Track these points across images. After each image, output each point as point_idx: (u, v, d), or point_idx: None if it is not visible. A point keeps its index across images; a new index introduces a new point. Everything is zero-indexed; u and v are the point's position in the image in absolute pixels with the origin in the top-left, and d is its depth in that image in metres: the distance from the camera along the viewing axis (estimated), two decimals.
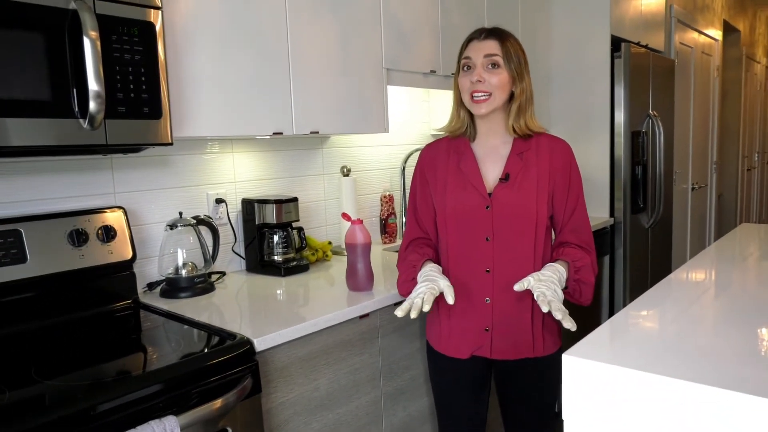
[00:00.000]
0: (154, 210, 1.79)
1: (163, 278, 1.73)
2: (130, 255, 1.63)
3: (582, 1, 2.96)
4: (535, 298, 1.29)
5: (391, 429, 1.72)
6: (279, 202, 1.91)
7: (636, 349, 0.90)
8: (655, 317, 1.09)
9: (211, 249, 1.83)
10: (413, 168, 2.65)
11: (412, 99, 2.66)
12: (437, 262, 1.53)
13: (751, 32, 6.26)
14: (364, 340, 1.61)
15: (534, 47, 2.88)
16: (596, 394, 0.84)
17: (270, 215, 1.92)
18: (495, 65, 1.40)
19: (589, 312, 2.89)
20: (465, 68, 1.44)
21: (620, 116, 2.97)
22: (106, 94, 1.26)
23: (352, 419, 1.59)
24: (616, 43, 2.94)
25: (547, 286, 1.30)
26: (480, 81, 1.40)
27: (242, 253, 2.02)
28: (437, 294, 1.34)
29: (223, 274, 1.91)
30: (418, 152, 2.62)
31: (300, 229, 2.00)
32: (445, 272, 1.49)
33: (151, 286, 1.75)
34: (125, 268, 1.64)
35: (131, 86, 1.33)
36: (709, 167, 4.94)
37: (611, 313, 3.08)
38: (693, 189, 4.47)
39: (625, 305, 3.05)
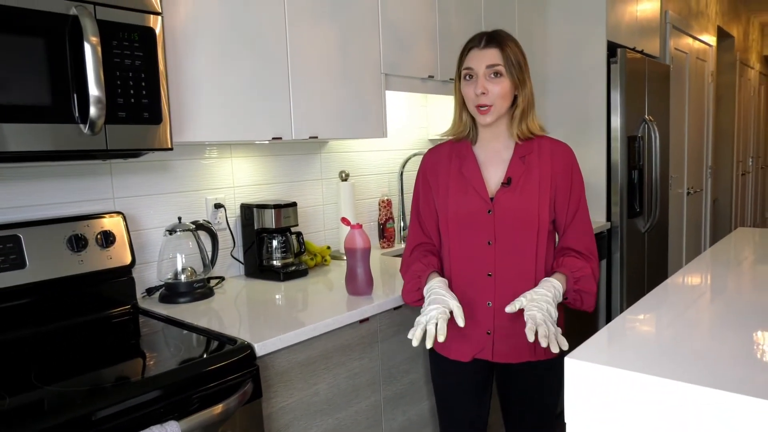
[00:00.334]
0: (153, 215, 1.79)
1: (162, 283, 1.73)
2: (129, 260, 1.63)
3: (578, 7, 2.98)
4: (525, 320, 1.28)
5: None
6: (278, 207, 1.91)
7: (637, 352, 0.90)
8: (656, 321, 1.09)
9: (210, 254, 1.83)
10: (411, 173, 2.68)
11: (410, 104, 2.67)
12: (441, 269, 1.54)
13: (744, 38, 6.31)
14: (364, 344, 1.62)
15: (531, 52, 2.89)
16: (598, 396, 0.85)
17: (269, 220, 1.92)
18: (497, 74, 1.41)
19: (586, 316, 2.89)
20: (467, 77, 1.44)
21: (616, 121, 2.99)
22: (107, 99, 1.27)
23: (351, 424, 1.59)
24: (612, 49, 2.96)
25: (539, 307, 1.30)
26: (484, 93, 1.40)
27: (241, 258, 2.02)
28: (449, 317, 1.33)
29: (222, 279, 1.91)
30: (416, 157, 2.64)
31: (299, 234, 2.00)
32: (447, 275, 1.51)
33: (150, 291, 1.75)
34: (124, 273, 1.63)
35: (131, 91, 1.34)
36: (704, 172, 4.97)
37: (608, 317, 3.09)
38: (688, 193, 4.49)
39: (622, 309, 3.06)
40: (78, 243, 1.52)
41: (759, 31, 7.11)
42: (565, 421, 0.88)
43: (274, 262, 1.95)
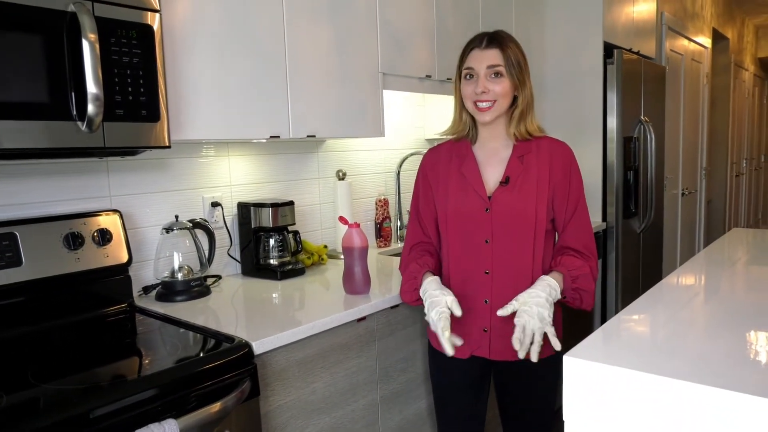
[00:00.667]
0: (150, 213, 1.78)
1: (158, 282, 1.73)
2: (125, 258, 1.62)
3: (575, 8, 2.99)
4: (515, 326, 1.31)
5: None
6: (275, 206, 1.91)
7: (633, 351, 0.91)
8: (652, 321, 1.10)
9: (207, 252, 1.83)
10: (408, 172, 2.68)
11: (407, 103, 2.67)
12: (437, 268, 1.56)
13: (739, 40, 6.35)
14: (361, 343, 1.62)
15: (528, 53, 2.87)
16: (596, 394, 0.85)
17: (266, 219, 1.92)
18: (498, 74, 1.42)
19: (582, 315, 2.91)
20: (467, 77, 1.45)
21: (613, 122, 3.00)
22: (104, 96, 1.26)
23: (348, 422, 1.59)
24: (609, 50, 2.97)
25: (529, 314, 1.31)
26: (484, 92, 1.42)
27: (238, 257, 2.02)
28: (449, 314, 1.36)
29: (218, 277, 1.91)
30: (413, 156, 2.65)
31: (296, 233, 2.00)
32: (446, 273, 1.52)
33: (146, 289, 1.74)
34: (121, 271, 1.63)
35: (129, 89, 1.33)
36: (698, 173, 5.00)
37: (603, 316, 3.10)
38: (683, 194, 4.52)
39: (617, 308, 3.08)
40: (74, 241, 1.51)
41: (753, 33, 7.15)
42: (564, 418, 0.88)
43: (271, 261, 1.95)
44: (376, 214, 2.51)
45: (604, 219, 3.06)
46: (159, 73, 1.38)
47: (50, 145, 1.22)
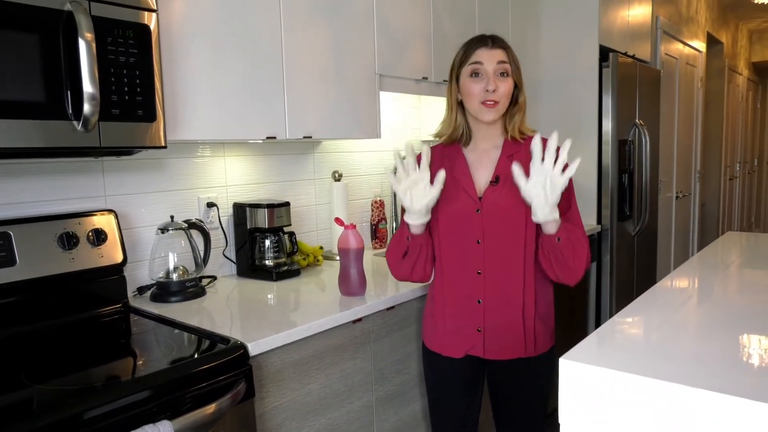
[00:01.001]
0: (145, 213, 1.78)
1: (153, 282, 1.72)
2: (120, 258, 1.62)
3: (571, 12, 3.00)
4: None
5: None
6: (271, 207, 1.91)
7: (628, 354, 0.91)
8: (650, 323, 1.10)
9: (202, 253, 1.82)
10: None
11: (403, 105, 2.67)
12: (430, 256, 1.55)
13: (733, 44, 6.39)
14: (357, 344, 1.62)
15: (524, 56, 2.91)
16: (592, 397, 0.86)
17: (262, 220, 1.91)
18: (504, 73, 1.45)
19: (576, 317, 2.91)
20: (474, 74, 1.45)
21: (608, 125, 3.01)
22: (101, 96, 1.26)
23: (344, 424, 1.59)
24: (604, 53, 2.99)
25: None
26: (495, 90, 1.43)
27: (233, 258, 2.01)
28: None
29: (213, 278, 1.90)
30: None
31: (291, 234, 2.00)
32: (439, 274, 1.53)
33: (141, 290, 1.73)
34: (115, 271, 1.62)
35: (125, 89, 1.33)
36: (692, 176, 5.02)
37: (598, 318, 3.11)
38: (677, 197, 4.54)
39: (611, 310, 3.09)
40: (69, 241, 1.51)
41: (747, 38, 7.20)
42: (559, 421, 0.88)
43: (267, 262, 1.94)
44: (372, 216, 2.51)
45: (599, 222, 3.07)
46: (155, 73, 1.38)
47: (46, 145, 1.22)
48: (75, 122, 1.24)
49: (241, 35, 1.63)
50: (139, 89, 1.35)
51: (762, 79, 8.24)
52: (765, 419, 0.73)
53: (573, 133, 3.06)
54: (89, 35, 1.21)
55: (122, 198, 1.72)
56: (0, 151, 1.16)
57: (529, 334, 1.48)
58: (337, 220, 1.77)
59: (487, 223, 1.45)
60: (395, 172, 1.42)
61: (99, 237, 1.57)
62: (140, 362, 1.28)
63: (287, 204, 1.96)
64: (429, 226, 1.55)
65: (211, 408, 1.16)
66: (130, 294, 1.69)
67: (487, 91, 1.43)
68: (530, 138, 1.50)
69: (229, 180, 2.01)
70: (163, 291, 1.69)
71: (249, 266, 1.96)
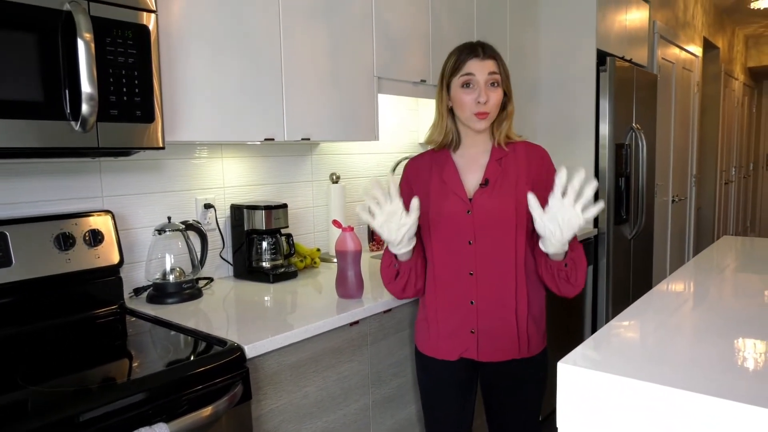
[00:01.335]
0: (142, 214, 1.77)
1: (150, 283, 1.71)
2: (117, 260, 1.61)
3: (569, 15, 3.01)
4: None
5: None
6: (269, 209, 1.90)
7: (626, 358, 0.91)
8: (646, 328, 1.11)
9: (199, 254, 1.82)
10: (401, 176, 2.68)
11: (401, 108, 2.67)
12: (420, 264, 1.56)
13: (729, 49, 6.42)
14: (354, 347, 1.61)
15: (522, 59, 2.92)
16: (590, 401, 0.86)
17: (259, 221, 1.91)
18: (495, 83, 1.47)
19: (572, 320, 2.92)
20: (466, 85, 1.46)
21: (605, 128, 3.02)
22: (99, 96, 1.25)
23: (340, 427, 1.59)
24: (602, 57, 3.00)
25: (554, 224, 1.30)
26: (487, 101, 1.44)
27: (230, 259, 2.01)
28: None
29: (210, 280, 1.90)
30: (407, 161, 2.64)
31: (289, 236, 1.99)
32: (431, 277, 1.54)
33: (137, 291, 1.73)
34: (112, 272, 1.62)
35: (124, 89, 1.32)
36: (688, 180, 5.04)
37: (594, 321, 3.12)
38: (673, 201, 4.55)
39: (607, 313, 3.09)
40: (66, 241, 1.50)
41: (743, 43, 7.24)
42: (557, 425, 0.88)
43: (264, 264, 1.94)
44: None
45: (596, 225, 3.08)
46: (154, 74, 1.38)
47: (43, 145, 1.21)
48: (73, 122, 1.24)
49: (240, 37, 1.63)
50: (137, 90, 1.34)
51: (758, 84, 8.28)
52: (760, 423, 0.73)
53: (570, 136, 3.07)
54: (88, 35, 1.21)
55: (119, 199, 1.71)
56: None
57: (523, 335, 1.49)
58: (335, 222, 1.77)
59: (478, 224, 1.47)
60: (369, 210, 1.40)
61: (96, 238, 1.56)
62: (136, 364, 1.28)
63: (285, 206, 1.95)
64: (420, 236, 1.56)
65: (207, 410, 1.16)
66: (126, 295, 1.69)
67: (479, 102, 1.44)
68: (519, 143, 1.52)
69: (226, 181, 2.00)
70: (159, 292, 1.69)
71: (246, 268, 1.96)
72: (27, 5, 1.16)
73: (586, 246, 2.95)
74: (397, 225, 1.38)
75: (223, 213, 2.00)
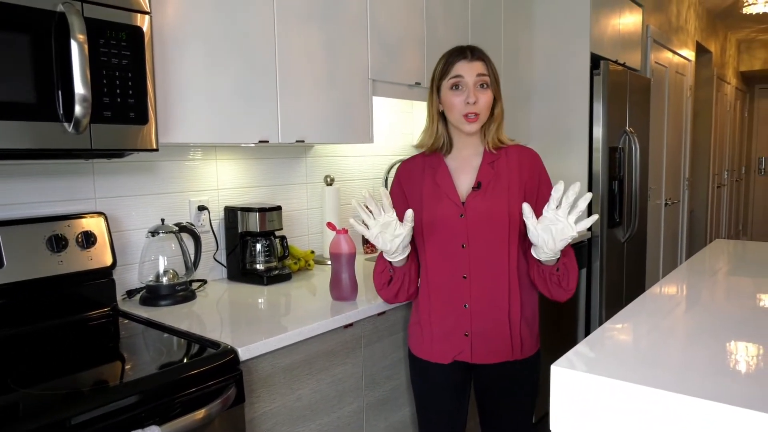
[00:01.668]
0: (136, 216, 1.77)
1: (143, 285, 1.71)
2: (110, 261, 1.60)
3: (563, 19, 3.03)
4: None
5: None
6: (263, 211, 1.90)
7: (619, 361, 0.92)
8: (639, 331, 1.11)
9: (192, 256, 1.81)
10: None
11: (395, 110, 2.68)
12: (413, 269, 1.56)
13: (722, 54, 6.47)
14: (348, 349, 1.61)
15: (516, 63, 2.93)
16: (583, 404, 0.86)
17: (253, 223, 1.90)
18: (484, 85, 1.47)
19: (565, 323, 2.92)
20: (455, 87, 1.47)
21: (598, 132, 3.03)
22: (92, 98, 1.25)
23: (333, 429, 1.58)
24: (595, 61, 3.01)
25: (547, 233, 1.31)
26: (476, 102, 1.45)
27: (224, 262, 2.00)
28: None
29: (204, 282, 1.89)
30: (399, 163, 2.64)
31: (283, 238, 1.99)
32: (425, 280, 1.54)
33: (130, 293, 1.72)
34: (105, 274, 1.61)
35: (117, 91, 1.32)
36: (681, 184, 5.07)
37: (587, 324, 3.13)
38: (666, 204, 4.58)
39: (601, 316, 3.10)
40: (58, 243, 1.49)
41: (735, 47, 7.29)
42: (550, 428, 0.89)
43: (258, 266, 1.93)
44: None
45: (589, 228, 3.09)
46: (148, 76, 1.37)
47: (36, 146, 1.21)
48: (66, 124, 1.23)
49: (235, 38, 1.63)
50: (131, 91, 1.34)
51: (750, 88, 8.34)
52: (752, 427, 0.73)
53: (564, 139, 3.08)
54: (81, 37, 1.20)
55: (112, 200, 1.71)
56: None
57: (516, 338, 1.49)
58: (329, 225, 1.77)
59: (471, 227, 1.47)
60: (362, 222, 1.41)
61: (88, 240, 1.56)
62: (129, 366, 1.27)
63: (279, 208, 1.95)
64: (413, 239, 1.56)
65: (200, 413, 1.15)
66: (119, 297, 1.68)
67: (468, 103, 1.45)
68: (511, 146, 1.53)
69: (220, 183, 2.00)
70: (152, 294, 1.68)
71: (240, 270, 1.95)
72: (20, 6, 1.16)
73: (579, 249, 2.96)
74: (392, 236, 1.39)
75: (217, 215, 1.99)
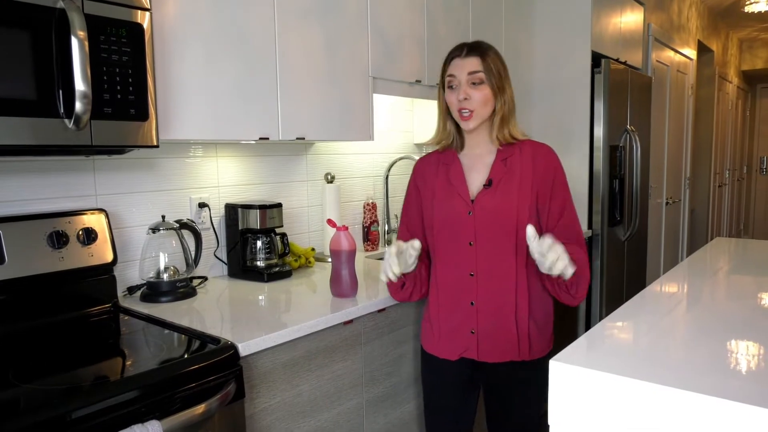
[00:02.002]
0: (136, 213, 1.77)
1: (144, 282, 1.71)
2: (110, 258, 1.61)
3: (564, 17, 3.03)
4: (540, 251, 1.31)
5: None
6: (263, 208, 1.90)
7: (618, 356, 0.92)
8: (639, 327, 1.11)
9: (193, 253, 1.81)
10: (397, 176, 2.69)
11: (396, 108, 2.68)
12: (423, 268, 1.59)
13: (723, 53, 6.46)
14: (347, 346, 1.62)
15: (516, 61, 2.93)
16: (582, 399, 0.86)
17: (254, 221, 1.91)
18: (478, 81, 1.46)
19: (566, 321, 2.93)
20: (450, 86, 1.48)
21: (599, 130, 3.03)
22: (93, 94, 1.25)
23: (333, 426, 1.59)
24: (596, 59, 3.01)
25: (553, 251, 1.31)
26: (466, 98, 1.45)
27: (224, 258, 2.01)
28: (395, 253, 1.43)
29: (204, 278, 1.90)
30: (402, 161, 2.65)
31: (283, 235, 1.99)
32: (434, 277, 1.55)
33: (131, 290, 1.72)
34: (106, 271, 1.61)
35: (118, 87, 1.32)
36: (682, 183, 5.06)
37: (588, 322, 3.13)
38: (667, 203, 4.57)
39: (601, 315, 3.10)
40: (59, 239, 1.50)
41: (737, 46, 7.28)
42: (549, 423, 0.89)
43: (258, 263, 1.94)
44: (364, 218, 2.51)
45: (590, 227, 3.09)
46: (148, 72, 1.38)
47: (36, 143, 1.21)
48: (66, 120, 1.24)
49: (235, 35, 1.63)
50: (131, 88, 1.34)
51: (751, 87, 8.33)
52: (752, 422, 0.73)
53: (565, 138, 3.08)
54: (82, 33, 1.20)
55: (113, 197, 1.71)
56: None
57: (523, 338, 1.49)
58: (330, 222, 1.77)
59: (478, 225, 1.47)
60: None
61: (89, 236, 1.56)
62: (129, 362, 1.27)
63: (279, 205, 1.95)
64: (423, 229, 1.57)
65: (200, 408, 1.16)
66: (120, 294, 1.68)
67: (460, 101, 1.45)
68: (525, 142, 1.51)
69: (221, 180, 2.00)
70: (153, 291, 1.68)
71: (240, 267, 1.96)
72: (20, 2, 1.16)
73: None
74: (405, 265, 1.46)
75: (218, 212, 1.99)
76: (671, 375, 0.83)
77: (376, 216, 2.52)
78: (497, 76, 1.46)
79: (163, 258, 1.71)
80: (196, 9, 1.54)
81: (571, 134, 3.07)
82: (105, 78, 1.29)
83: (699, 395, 0.77)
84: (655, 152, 4.08)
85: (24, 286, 1.44)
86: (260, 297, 1.73)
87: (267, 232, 1.95)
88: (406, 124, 2.76)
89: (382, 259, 2.33)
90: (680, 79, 4.81)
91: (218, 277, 1.98)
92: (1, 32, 1.14)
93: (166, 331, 1.44)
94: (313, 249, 2.17)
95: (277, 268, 1.95)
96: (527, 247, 1.46)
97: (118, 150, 1.50)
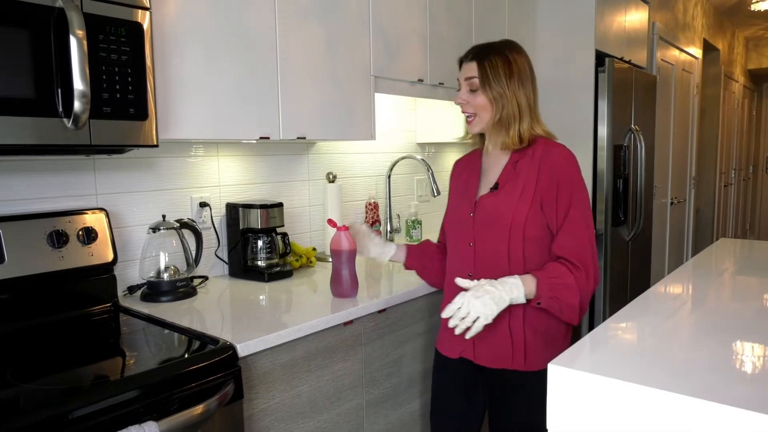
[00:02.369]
0: (137, 212, 1.77)
1: (144, 282, 1.71)
2: (111, 257, 1.60)
3: (568, 16, 3.01)
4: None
5: None
6: (264, 207, 1.90)
7: (619, 360, 0.91)
8: (642, 330, 1.10)
9: (194, 253, 1.81)
10: (399, 176, 2.68)
11: (398, 107, 2.67)
12: (438, 259, 1.70)
13: (729, 51, 6.41)
14: (347, 347, 1.61)
15: None
16: (581, 404, 0.85)
17: (255, 220, 1.90)
18: (474, 88, 1.46)
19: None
20: (459, 89, 1.52)
21: (603, 130, 3.01)
22: (92, 93, 1.25)
23: (333, 427, 1.58)
24: (600, 58, 2.99)
25: (476, 296, 1.32)
26: (462, 103, 1.49)
27: (225, 258, 2.00)
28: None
29: (205, 278, 1.89)
30: (404, 160, 2.64)
31: (284, 235, 1.99)
32: (446, 274, 1.62)
33: (131, 289, 1.72)
34: (106, 270, 1.61)
35: (117, 86, 1.32)
36: (687, 182, 5.03)
37: (591, 323, 3.11)
38: (672, 203, 4.55)
39: (605, 316, 3.08)
40: (59, 239, 1.49)
41: (743, 45, 7.23)
42: (547, 427, 0.88)
43: (259, 263, 1.93)
44: (366, 218, 2.50)
45: (594, 227, 3.07)
46: (148, 71, 1.37)
47: (36, 142, 1.21)
48: (65, 120, 1.23)
49: (236, 34, 1.62)
50: (130, 87, 1.34)
51: (758, 86, 8.28)
52: (756, 428, 0.72)
53: (568, 137, 3.05)
54: (81, 32, 1.20)
55: (113, 197, 1.71)
56: None
57: (518, 346, 1.44)
58: (330, 222, 1.76)
59: (477, 226, 1.49)
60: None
61: (89, 235, 1.56)
62: (129, 362, 1.27)
63: (280, 205, 1.95)
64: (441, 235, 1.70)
65: (198, 409, 1.15)
66: (120, 293, 1.68)
67: (458, 104, 1.50)
68: (539, 144, 1.47)
69: (222, 180, 2.00)
70: (153, 291, 1.68)
71: (241, 267, 1.95)
72: (19, 1, 1.16)
73: None
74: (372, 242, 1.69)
75: (219, 211, 1.99)
76: (674, 379, 0.82)
77: (378, 215, 2.51)
78: (495, 81, 1.42)
79: (164, 257, 1.70)
80: (196, 8, 1.53)
81: (574, 133, 3.05)
82: (104, 77, 1.29)
83: (701, 401, 0.75)
84: (659, 152, 4.05)
85: (24, 285, 1.44)
86: (261, 297, 1.73)
87: (268, 231, 1.94)
88: (409, 123, 2.75)
89: None
90: (685, 78, 4.77)
91: (219, 277, 1.98)
92: (0, 31, 1.14)
93: (166, 331, 1.43)
94: (314, 249, 2.16)
95: (278, 268, 1.94)
96: (524, 250, 1.44)
97: (117, 149, 1.50)
